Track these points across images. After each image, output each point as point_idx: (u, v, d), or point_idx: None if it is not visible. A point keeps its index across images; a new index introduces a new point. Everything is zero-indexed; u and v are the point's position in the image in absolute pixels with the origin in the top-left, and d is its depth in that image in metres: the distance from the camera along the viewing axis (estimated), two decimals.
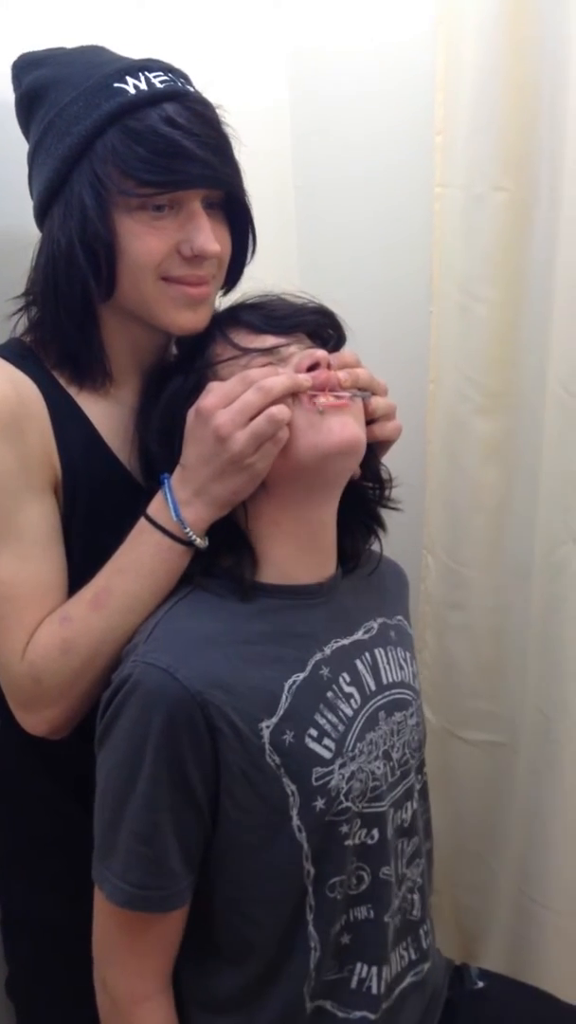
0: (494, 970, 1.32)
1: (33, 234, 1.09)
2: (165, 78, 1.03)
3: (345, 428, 1.01)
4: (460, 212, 1.53)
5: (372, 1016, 1.08)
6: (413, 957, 1.16)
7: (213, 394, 0.99)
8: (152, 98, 1.01)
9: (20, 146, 1.10)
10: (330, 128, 1.69)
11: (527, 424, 1.54)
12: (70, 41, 1.10)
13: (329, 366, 1.03)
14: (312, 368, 1.02)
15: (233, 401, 0.97)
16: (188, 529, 1.01)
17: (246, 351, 1.05)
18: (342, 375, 1.03)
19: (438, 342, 1.64)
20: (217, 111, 1.07)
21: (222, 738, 0.95)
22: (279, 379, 0.98)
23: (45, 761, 1.17)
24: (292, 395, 0.99)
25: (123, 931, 0.99)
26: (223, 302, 1.16)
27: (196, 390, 1.02)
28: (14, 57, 1.09)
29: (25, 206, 1.10)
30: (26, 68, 1.08)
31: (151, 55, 1.07)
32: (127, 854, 0.96)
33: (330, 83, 1.67)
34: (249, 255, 1.16)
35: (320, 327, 1.10)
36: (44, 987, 1.24)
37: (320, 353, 1.03)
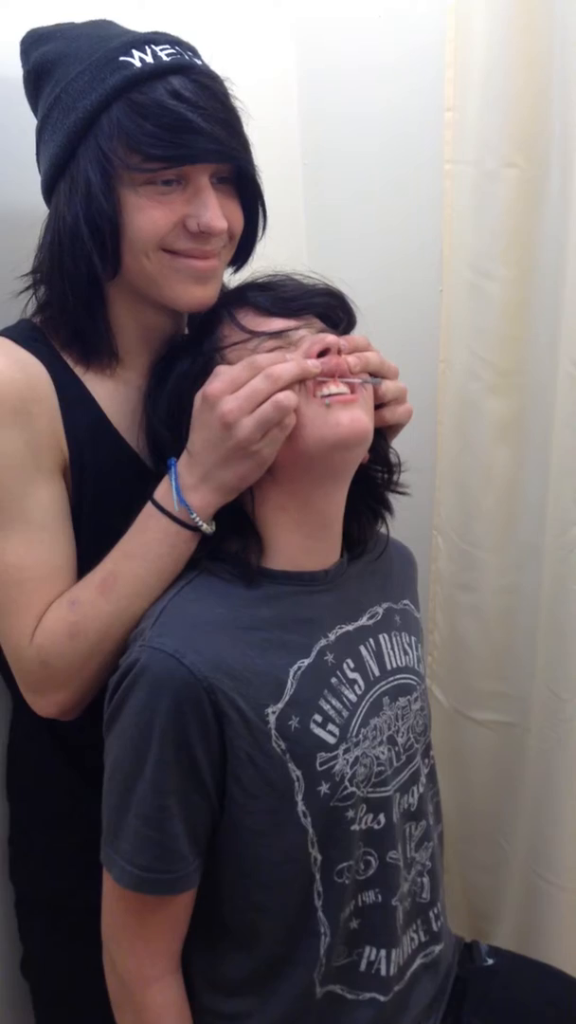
0: (505, 948, 1.32)
1: (41, 211, 1.09)
2: (172, 51, 1.01)
3: (353, 421, 1.00)
4: (470, 189, 1.52)
5: (382, 998, 1.09)
6: (423, 939, 1.16)
7: (220, 379, 0.98)
8: (158, 71, 1.00)
9: (28, 122, 1.09)
10: (338, 105, 1.68)
11: (538, 403, 1.54)
12: (75, 13, 1.08)
13: (339, 351, 1.02)
14: (322, 354, 1.01)
15: (240, 387, 0.96)
16: (194, 515, 1.00)
17: (254, 334, 1.04)
18: (352, 360, 1.01)
19: (448, 321, 1.63)
20: (226, 84, 1.05)
21: (229, 723, 0.95)
22: (287, 366, 0.97)
23: (56, 742, 1.18)
24: (300, 381, 0.98)
25: (131, 913, 1.00)
26: (233, 280, 1.15)
27: (203, 374, 1.01)
28: (17, 34, 1.08)
29: (32, 183, 1.09)
30: (34, 43, 1.07)
31: (154, 27, 1.06)
32: (135, 837, 0.96)
33: (338, 61, 1.65)
34: (260, 231, 1.14)
35: (330, 309, 1.09)
36: (58, 966, 1.25)
37: (330, 338, 1.02)
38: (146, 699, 0.94)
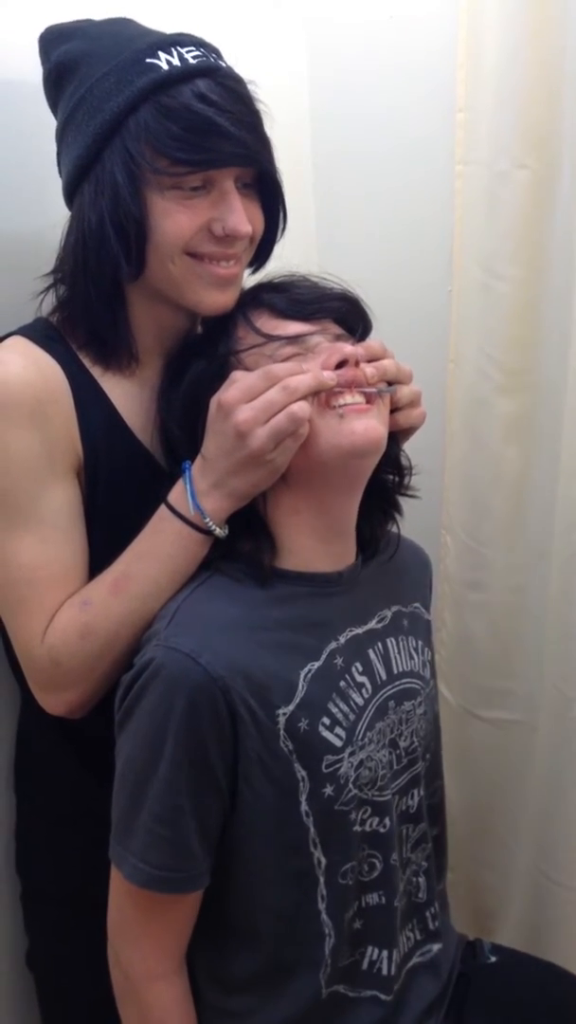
0: (509, 946, 1.33)
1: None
2: (197, 53, 1.01)
3: (367, 430, 0.99)
4: (482, 190, 1.53)
5: (383, 996, 1.10)
6: (419, 937, 1.17)
7: (236, 387, 0.98)
8: (185, 74, 0.99)
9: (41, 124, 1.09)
10: (349, 106, 1.67)
11: (548, 403, 1.54)
12: (82, 13, 1.08)
13: (357, 363, 1.01)
14: (340, 364, 1.00)
15: (255, 396, 0.96)
16: (208, 519, 1.01)
17: (270, 338, 1.03)
18: (369, 371, 1.01)
19: (458, 321, 1.63)
20: (248, 86, 1.05)
21: (241, 723, 0.96)
22: (303, 378, 0.97)
23: (66, 737, 1.19)
24: (316, 393, 0.98)
25: (139, 911, 1.00)
26: (249, 280, 1.15)
27: (219, 377, 1.01)
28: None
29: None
30: (54, 41, 1.06)
31: (165, 27, 1.05)
32: (147, 835, 0.96)
33: (349, 62, 1.65)
34: (280, 233, 1.14)
35: (346, 314, 1.08)
36: (64, 959, 1.26)
37: (348, 349, 1.01)
38: (161, 698, 0.94)
